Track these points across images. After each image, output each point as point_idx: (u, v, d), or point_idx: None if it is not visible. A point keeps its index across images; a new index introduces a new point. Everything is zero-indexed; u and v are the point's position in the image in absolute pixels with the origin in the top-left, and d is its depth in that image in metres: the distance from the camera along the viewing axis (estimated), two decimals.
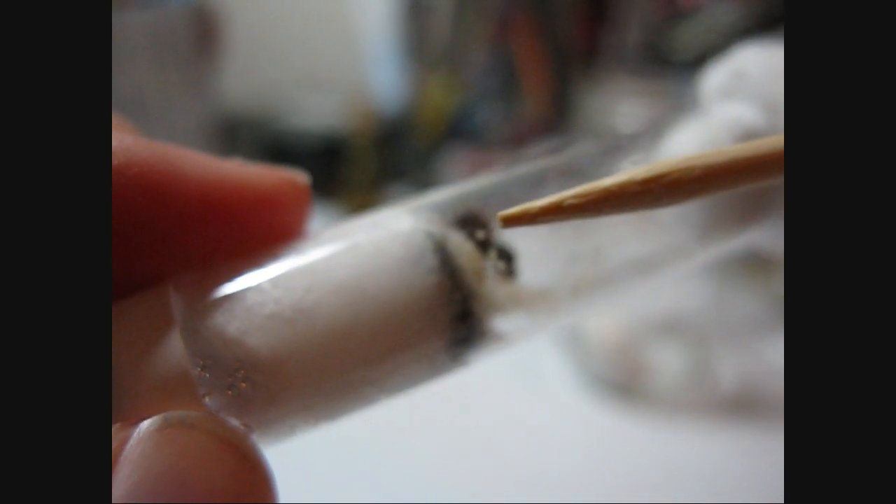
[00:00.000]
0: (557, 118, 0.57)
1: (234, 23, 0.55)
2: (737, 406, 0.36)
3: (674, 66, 0.49)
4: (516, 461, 0.33)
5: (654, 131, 0.15)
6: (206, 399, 0.11)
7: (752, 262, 0.45)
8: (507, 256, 0.13)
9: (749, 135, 0.14)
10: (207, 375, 0.11)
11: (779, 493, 0.28)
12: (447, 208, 0.13)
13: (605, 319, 0.39)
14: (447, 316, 0.12)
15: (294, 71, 0.71)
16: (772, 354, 0.40)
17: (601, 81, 0.50)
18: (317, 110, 0.63)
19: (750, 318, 0.43)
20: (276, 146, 0.61)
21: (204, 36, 0.49)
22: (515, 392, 0.37)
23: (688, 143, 0.15)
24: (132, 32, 0.45)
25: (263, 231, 0.13)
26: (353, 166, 0.57)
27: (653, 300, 0.41)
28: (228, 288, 0.12)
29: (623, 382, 0.37)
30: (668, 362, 0.37)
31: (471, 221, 0.13)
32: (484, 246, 0.13)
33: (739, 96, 0.15)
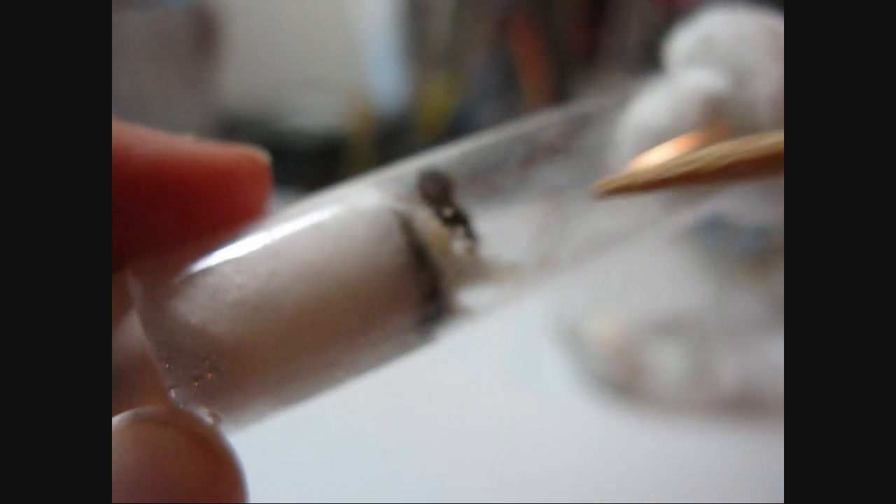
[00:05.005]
0: None
1: (234, 23, 0.55)
2: (737, 406, 0.36)
3: None
4: (516, 461, 0.33)
5: (621, 99, 0.15)
6: (172, 392, 0.11)
7: (752, 262, 0.45)
8: (473, 233, 0.13)
9: (713, 101, 0.14)
10: (173, 368, 0.11)
11: (779, 493, 0.28)
12: (413, 183, 0.13)
13: (605, 319, 0.39)
14: (415, 295, 0.12)
15: (294, 71, 0.71)
16: (772, 354, 0.40)
17: (601, 81, 0.50)
18: (317, 110, 0.62)
19: (750, 318, 0.43)
20: (276, 146, 0.60)
21: (204, 36, 0.49)
22: (515, 392, 0.37)
23: (653, 109, 0.15)
24: (132, 32, 0.45)
25: (222, 210, 0.13)
26: (353, 166, 0.57)
27: (653, 300, 0.41)
28: (190, 274, 0.11)
29: (623, 382, 0.37)
30: (668, 362, 0.37)
31: (437, 198, 0.13)
32: (451, 222, 0.12)
33: (706, 62, 0.15)
